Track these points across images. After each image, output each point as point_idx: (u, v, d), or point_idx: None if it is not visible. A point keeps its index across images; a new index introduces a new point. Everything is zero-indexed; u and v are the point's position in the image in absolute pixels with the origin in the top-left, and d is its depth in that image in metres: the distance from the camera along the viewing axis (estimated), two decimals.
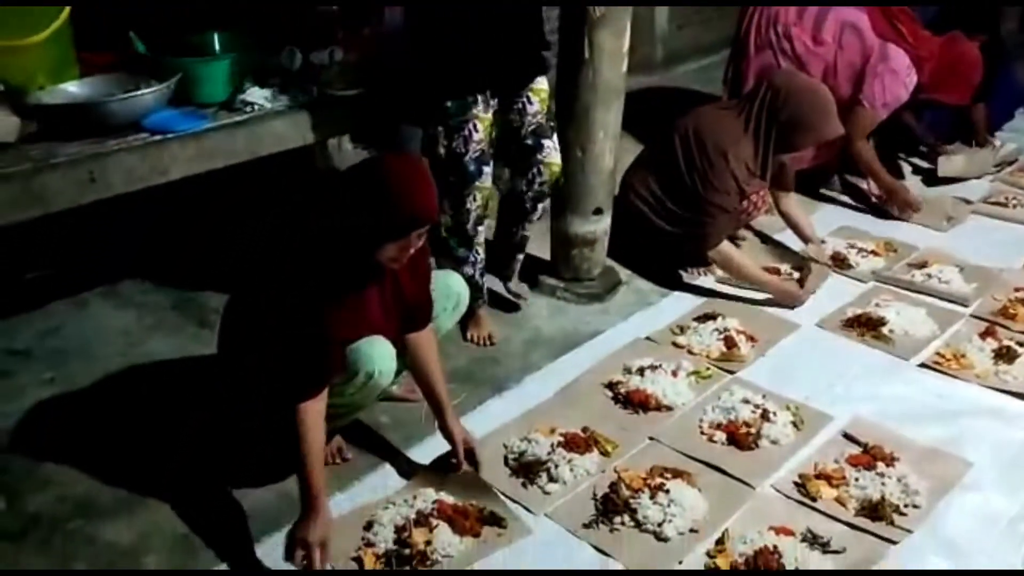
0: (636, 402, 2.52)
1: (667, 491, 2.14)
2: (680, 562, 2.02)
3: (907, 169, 4.43)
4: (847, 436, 2.42)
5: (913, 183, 4.20)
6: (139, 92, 2.45)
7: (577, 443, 2.32)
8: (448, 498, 2.15)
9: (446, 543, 2.00)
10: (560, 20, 2.91)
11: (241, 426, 2.29)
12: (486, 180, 2.69)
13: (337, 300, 1.95)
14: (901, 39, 3.71)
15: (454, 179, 2.65)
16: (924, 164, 4.45)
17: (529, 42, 2.68)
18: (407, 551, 1.99)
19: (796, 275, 3.30)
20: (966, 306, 3.11)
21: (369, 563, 1.98)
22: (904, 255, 3.52)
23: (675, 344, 2.88)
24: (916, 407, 2.56)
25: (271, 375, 1.92)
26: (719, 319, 2.95)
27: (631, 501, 2.13)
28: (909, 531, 2.09)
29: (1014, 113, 4.86)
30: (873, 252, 3.50)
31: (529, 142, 2.73)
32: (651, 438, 2.41)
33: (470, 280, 2.66)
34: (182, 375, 2.64)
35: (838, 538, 2.06)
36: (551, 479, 2.23)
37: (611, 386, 2.62)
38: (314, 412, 1.91)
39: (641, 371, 2.66)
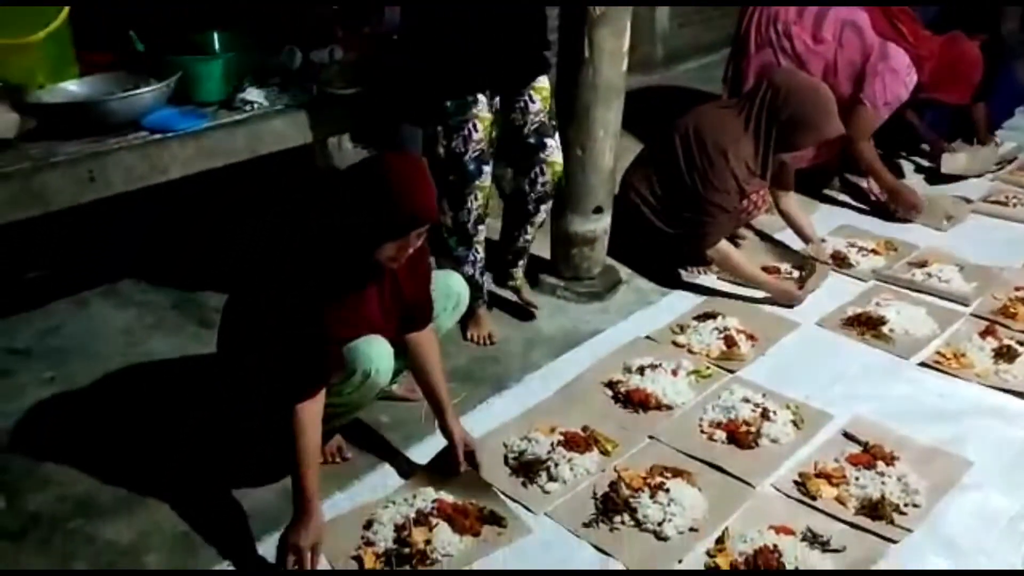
0: (636, 401, 2.52)
1: (667, 490, 2.13)
2: (680, 561, 2.02)
3: (908, 168, 4.43)
4: (847, 435, 2.42)
5: (915, 182, 4.19)
6: (139, 91, 2.45)
7: (577, 442, 2.32)
8: (448, 497, 2.15)
9: (446, 542, 2.00)
10: (560, 19, 2.91)
11: (241, 426, 2.28)
12: (486, 179, 2.69)
13: (336, 299, 1.95)
14: (901, 39, 3.71)
15: (454, 178, 2.65)
16: (925, 163, 4.45)
17: (530, 41, 2.68)
18: (407, 550, 1.98)
19: (796, 274, 3.30)
20: (966, 305, 3.11)
21: (369, 562, 1.98)
22: (904, 254, 3.52)
23: (675, 343, 2.87)
24: (916, 406, 2.56)
25: (269, 375, 1.92)
26: (719, 318, 2.95)
27: (631, 500, 2.13)
28: (909, 530, 2.09)
29: (1014, 111, 4.87)
30: (873, 251, 3.50)
31: (532, 141, 2.74)
32: (651, 437, 2.41)
33: (470, 279, 2.66)
34: (182, 375, 2.64)
35: (838, 537, 2.06)
36: (551, 478, 2.23)
37: (611, 385, 2.62)
38: (311, 413, 1.91)
39: (641, 370, 2.66)
